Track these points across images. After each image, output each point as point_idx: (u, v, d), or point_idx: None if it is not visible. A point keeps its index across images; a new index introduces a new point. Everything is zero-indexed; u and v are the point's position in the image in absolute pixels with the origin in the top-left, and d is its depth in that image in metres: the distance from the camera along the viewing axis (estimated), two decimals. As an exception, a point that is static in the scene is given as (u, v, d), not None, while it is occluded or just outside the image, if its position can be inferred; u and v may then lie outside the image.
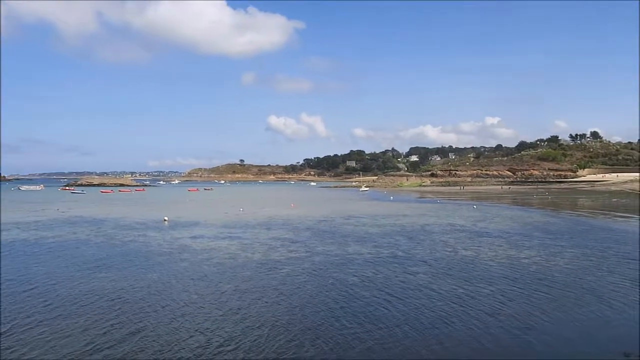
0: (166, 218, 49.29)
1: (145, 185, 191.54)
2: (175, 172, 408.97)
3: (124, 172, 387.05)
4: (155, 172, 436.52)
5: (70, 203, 79.86)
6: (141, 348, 12.95)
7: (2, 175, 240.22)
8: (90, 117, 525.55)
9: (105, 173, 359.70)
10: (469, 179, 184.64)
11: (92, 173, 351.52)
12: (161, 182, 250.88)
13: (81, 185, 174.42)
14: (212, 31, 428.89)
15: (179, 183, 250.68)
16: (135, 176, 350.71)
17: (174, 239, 34.75)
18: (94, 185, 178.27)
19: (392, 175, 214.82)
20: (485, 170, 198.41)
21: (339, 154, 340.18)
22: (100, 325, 14.83)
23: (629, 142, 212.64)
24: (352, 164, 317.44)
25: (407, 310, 16.17)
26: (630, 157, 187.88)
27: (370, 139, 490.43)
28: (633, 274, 21.53)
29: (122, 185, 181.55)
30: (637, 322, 14.94)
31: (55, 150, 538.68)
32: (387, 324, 14.79)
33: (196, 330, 14.35)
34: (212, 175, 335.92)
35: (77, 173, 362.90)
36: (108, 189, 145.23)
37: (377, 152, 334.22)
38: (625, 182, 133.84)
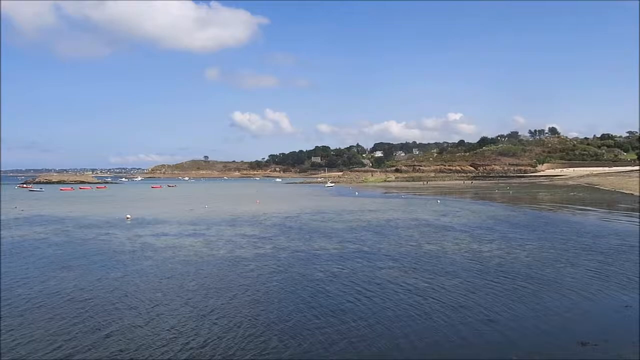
0: (129, 216, 48.32)
1: (107, 183, 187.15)
2: (138, 169, 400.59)
3: (85, 169, 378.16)
4: (117, 168, 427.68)
5: (29, 201, 77.48)
6: (114, 351, 12.58)
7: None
8: (48, 113, 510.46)
9: (65, 170, 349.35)
10: (432, 174, 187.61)
11: (51, 170, 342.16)
12: (123, 179, 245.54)
13: (40, 182, 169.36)
14: (174, 26, 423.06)
15: (141, 180, 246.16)
16: (97, 173, 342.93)
17: (137, 237, 34.10)
18: (53, 182, 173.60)
19: (357, 171, 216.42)
20: (449, 166, 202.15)
21: (304, 150, 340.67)
22: (67, 328, 14.38)
23: (585, 138, 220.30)
24: (318, 159, 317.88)
25: (383, 305, 16.28)
26: (587, 152, 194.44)
27: (335, 135, 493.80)
28: (591, 265, 22.21)
29: (82, 182, 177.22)
30: (593, 312, 15.45)
31: (11, 147, 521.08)
32: (367, 319, 14.84)
33: (170, 331, 14.06)
34: (175, 171, 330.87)
35: (35, 170, 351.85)
36: (68, 187, 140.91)
37: (342, 147, 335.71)
38: (582, 176, 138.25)
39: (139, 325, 14.43)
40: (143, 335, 13.55)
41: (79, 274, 21.97)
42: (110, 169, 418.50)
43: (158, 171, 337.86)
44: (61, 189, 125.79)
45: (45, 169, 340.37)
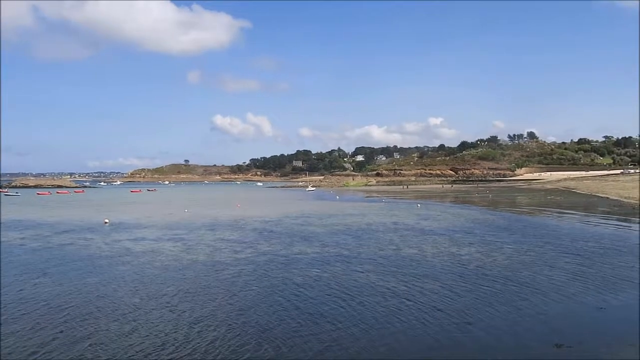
0: (107, 220, 47.77)
1: (85, 187, 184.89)
2: (117, 173, 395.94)
3: (62, 173, 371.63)
4: (95, 172, 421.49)
5: (4, 205, 75.95)
6: (93, 355, 12.44)
7: None
8: (25, 116, 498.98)
9: (42, 174, 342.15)
10: (413, 178, 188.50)
11: (27, 174, 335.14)
12: (102, 183, 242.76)
13: (15, 186, 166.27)
14: (155, 29, 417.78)
15: (121, 184, 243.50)
16: (75, 177, 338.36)
17: (115, 241, 33.72)
18: (30, 186, 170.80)
19: (339, 175, 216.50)
20: (429, 170, 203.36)
21: (286, 154, 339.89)
22: (44, 333, 14.17)
23: (563, 143, 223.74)
24: (299, 163, 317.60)
25: (360, 309, 16.34)
26: (564, 157, 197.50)
27: (316, 139, 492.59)
28: (568, 267, 22.55)
29: (60, 186, 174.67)
30: (569, 314, 15.68)
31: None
32: (343, 322, 14.90)
33: (149, 334, 13.97)
34: (155, 175, 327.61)
35: (10, 174, 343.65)
36: (45, 191, 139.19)
37: (324, 152, 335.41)
38: (559, 180, 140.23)
39: (124, 334, 14.12)
40: (129, 345, 13.27)
41: (57, 280, 21.61)
42: (88, 173, 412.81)
43: (137, 175, 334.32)
44: (38, 193, 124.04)
45: (22, 173, 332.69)
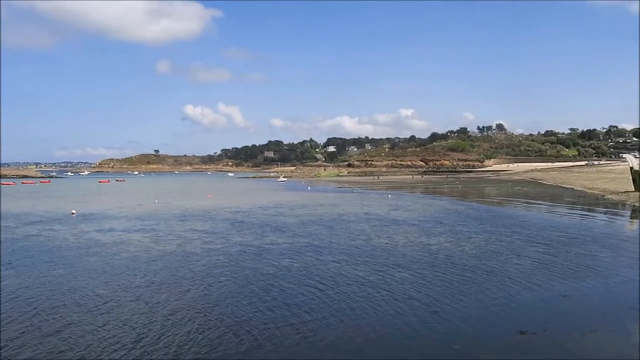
0: (74, 211, 46.90)
1: (52, 177, 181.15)
2: (84, 163, 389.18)
3: (28, 162, 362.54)
4: (62, 162, 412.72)
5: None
6: (65, 348, 12.23)
7: None
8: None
9: (7, 164, 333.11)
10: (384, 169, 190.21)
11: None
12: (69, 173, 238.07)
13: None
14: (124, 17, 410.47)
15: (89, 174, 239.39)
16: (41, 167, 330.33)
17: (84, 232, 33.17)
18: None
19: (310, 166, 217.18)
20: (400, 161, 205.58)
21: (257, 144, 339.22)
22: (12, 327, 13.86)
23: (530, 134, 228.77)
24: (271, 154, 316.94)
25: (337, 298, 16.44)
26: (531, 148, 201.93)
27: (288, 130, 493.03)
28: (536, 256, 23.10)
29: (25, 176, 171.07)
30: (535, 301, 16.07)
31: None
32: (319, 312, 14.99)
33: (123, 326, 13.80)
34: (125, 166, 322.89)
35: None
36: (9, 181, 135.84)
37: (295, 142, 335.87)
38: (526, 171, 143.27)
39: (97, 327, 13.84)
40: (103, 337, 13.03)
41: (24, 272, 21.11)
42: (55, 163, 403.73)
43: (106, 165, 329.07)
44: (2, 184, 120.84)
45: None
